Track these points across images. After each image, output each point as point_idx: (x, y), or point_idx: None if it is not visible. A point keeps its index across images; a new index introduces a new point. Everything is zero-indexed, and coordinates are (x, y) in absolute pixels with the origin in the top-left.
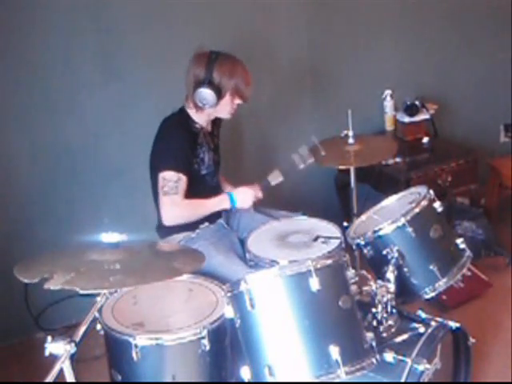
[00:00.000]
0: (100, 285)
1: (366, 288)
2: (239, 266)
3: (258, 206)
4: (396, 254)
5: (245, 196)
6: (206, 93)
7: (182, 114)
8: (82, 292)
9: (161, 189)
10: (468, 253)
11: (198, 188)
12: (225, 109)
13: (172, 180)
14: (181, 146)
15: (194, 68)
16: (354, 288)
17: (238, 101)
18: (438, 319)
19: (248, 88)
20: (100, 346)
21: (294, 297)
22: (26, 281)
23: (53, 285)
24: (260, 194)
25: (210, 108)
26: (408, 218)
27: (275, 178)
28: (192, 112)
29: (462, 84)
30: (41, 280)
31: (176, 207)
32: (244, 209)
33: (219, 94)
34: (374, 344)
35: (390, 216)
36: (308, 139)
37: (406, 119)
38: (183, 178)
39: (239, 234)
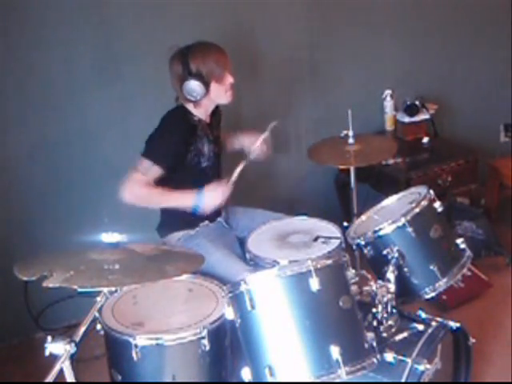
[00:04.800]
0: (98, 283)
1: (366, 288)
2: (237, 263)
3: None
4: (396, 254)
5: (213, 194)
6: (191, 84)
7: (181, 108)
8: (80, 290)
9: (135, 167)
10: (468, 253)
11: (198, 181)
12: (219, 93)
13: (148, 163)
14: (172, 141)
15: (172, 67)
16: (354, 288)
17: (227, 81)
18: (438, 319)
19: (226, 65)
20: (100, 345)
21: (294, 297)
22: (25, 278)
23: (52, 283)
24: (228, 190)
25: (203, 98)
26: (408, 217)
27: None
28: (190, 106)
29: (462, 84)
30: (40, 278)
31: (138, 185)
32: (211, 209)
33: (203, 81)
34: (374, 344)
35: (390, 216)
36: (306, 139)
37: (406, 119)
38: (157, 169)
39: (238, 233)
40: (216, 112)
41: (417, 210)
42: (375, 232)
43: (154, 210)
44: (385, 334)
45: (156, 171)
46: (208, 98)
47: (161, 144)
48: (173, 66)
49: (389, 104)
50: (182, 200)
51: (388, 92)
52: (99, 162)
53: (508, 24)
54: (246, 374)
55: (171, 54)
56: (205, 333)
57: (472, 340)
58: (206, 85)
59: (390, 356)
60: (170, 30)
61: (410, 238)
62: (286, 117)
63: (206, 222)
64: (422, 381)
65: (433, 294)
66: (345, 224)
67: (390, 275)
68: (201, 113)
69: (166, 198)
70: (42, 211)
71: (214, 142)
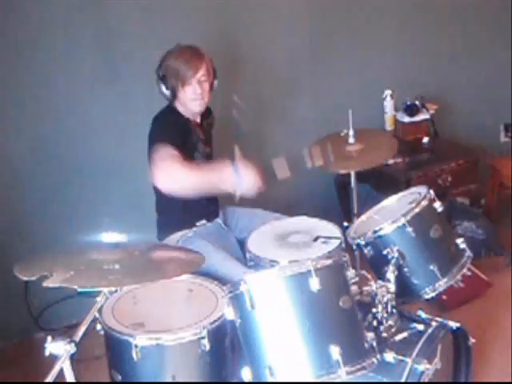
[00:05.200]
0: (98, 283)
1: (366, 288)
2: (236, 265)
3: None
4: (396, 254)
5: (250, 176)
6: (160, 87)
7: (168, 108)
8: (80, 290)
9: (156, 155)
10: (468, 253)
11: None
12: (185, 99)
13: (166, 148)
14: (174, 128)
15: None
16: (354, 288)
17: (189, 90)
18: (438, 319)
19: (196, 73)
20: (100, 345)
21: (294, 297)
22: (25, 278)
23: (52, 283)
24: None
25: (176, 101)
26: (408, 217)
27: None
28: (178, 105)
29: (462, 84)
30: (40, 278)
31: (170, 161)
32: (248, 191)
33: (168, 85)
34: (374, 344)
35: (390, 216)
36: (306, 139)
37: (406, 119)
38: (178, 152)
39: (237, 233)
40: (207, 115)
41: (417, 210)
42: (375, 232)
43: (153, 210)
44: (385, 334)
45: (178, 154)
46: (178, 102)
47: (166, 132)
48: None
49: (389, 104)
50: (220, 174)
51: (388, 92)
52: (99, 161)
53: (508, 24)
54: (246, 373)
55: None
56: (205, 333)
57: (472, 340)
58: (172, 89)
59: (389, 356)
60: (170, 32)
61: (410, 238)
62: (286, 117)
63: (204, 221)
64: (421, 381)
65: (433, 294)
66: (345, 224)
67: (390, 275)
68: (186, 113)
69: (203, 171)
70: (42, 211)
71: (205, 143)
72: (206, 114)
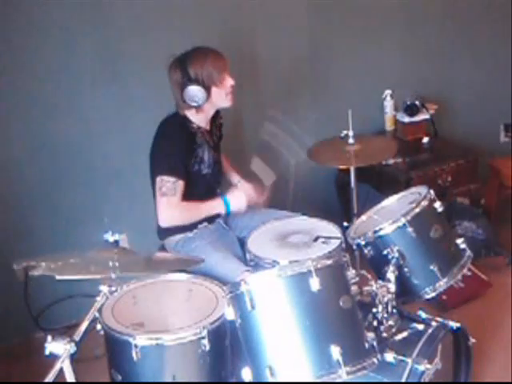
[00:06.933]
0: (78, 272)
1: (366, 288)
2: (236, 264)
3: (263, 206)
4: (396, 254)
5: (238, 200)
6: (192, 90)
7: (178, 115)
8: (58, 278)
9: (158, 190)
10: (468, 253)
11: (198, 188)
12: (220, 97)
13: (170, 181)
14: (178, 150)
15: (172, 75)
16: (354, 288)
17: (227, 83)
18: (439, 319)
19: (225, 68)
20: (100, 346)
21: (294, 297)
22: (14, 267)
23: (36, 271)
24: (256, 197)
25: (205, 103)
26: (408, 218)
27: (267, 177)
28: (190, 113)
29: (462, 84)
30: (28, 267)
31: (172, 209)
32: (240, 212)
33: (204, 86)
34: (374, 344)
35: (390, 216)
36: (306, 139)
37: (406, 119)
38: (180, 182)
39: (237, 233)
40: (216, 118)
41: (417, 210)
42: (375, 232)
43: (154, 209)
44: (385, 334)
45: (181, 185)
46: (210, 102)
47: (173, 157)
48: (172, 74)
49: (389, 104)
50: (215, 210)
51: (388, 92)
52: (100, 162)
53: (508, 24)
54: (246, 374)
55: (169, 63)
56: (205, 333)
57: (472, 340)
58: (207, 89)
59: (390, 356)
60: (171, 31)
61: (411, 238)
62: (286, 117)
63: (205, 223)
64: (422, 381)
65: (433, 294)
66: (345, 224)
67: (391, 275)
68: (201, 119)
69: (200, 213)
70: (43, 211)
71: (214, 149)
72: (215, 115)
